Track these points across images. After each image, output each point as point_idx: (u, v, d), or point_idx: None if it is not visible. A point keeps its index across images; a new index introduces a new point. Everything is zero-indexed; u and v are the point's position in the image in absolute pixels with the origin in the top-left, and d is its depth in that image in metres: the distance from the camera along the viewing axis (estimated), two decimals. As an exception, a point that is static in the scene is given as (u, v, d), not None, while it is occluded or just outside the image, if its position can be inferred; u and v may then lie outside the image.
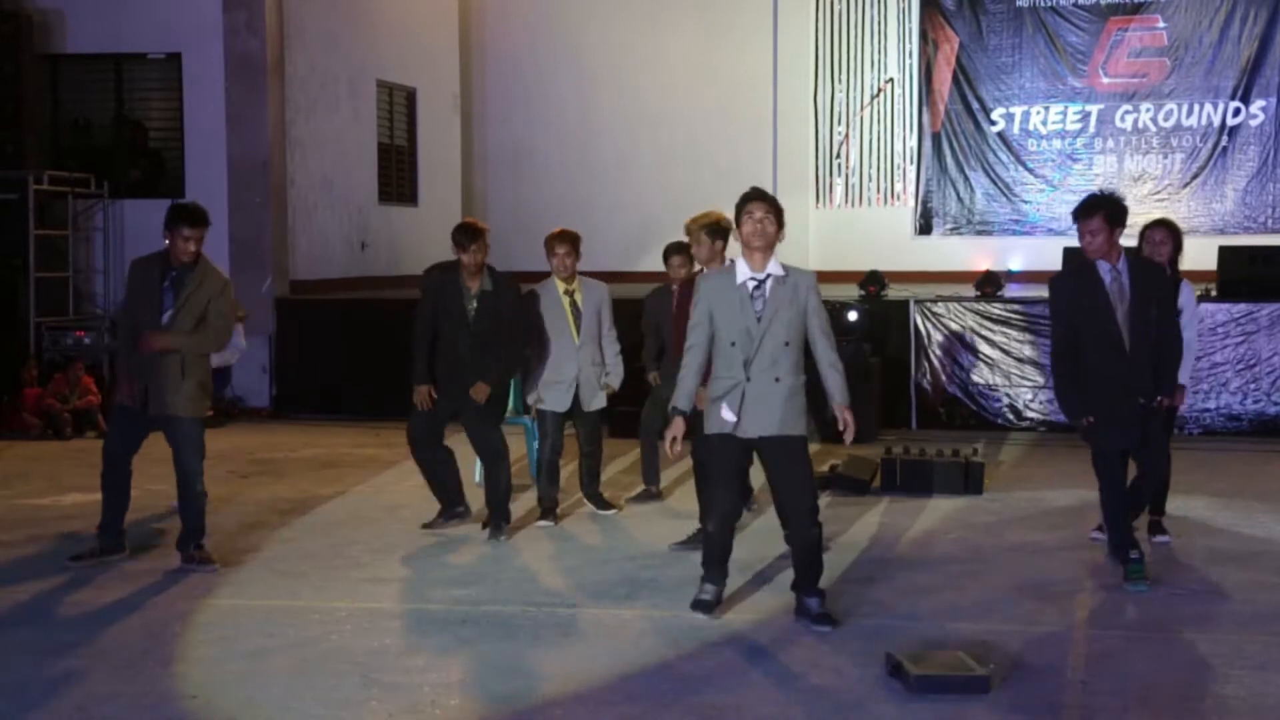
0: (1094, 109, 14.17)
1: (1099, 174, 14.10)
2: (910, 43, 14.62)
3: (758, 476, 6.35)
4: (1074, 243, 11.41)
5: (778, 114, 14.90)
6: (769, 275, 5.26)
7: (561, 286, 7.07)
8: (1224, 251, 10.33)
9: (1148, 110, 14.03)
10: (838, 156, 14.92)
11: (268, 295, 11.60)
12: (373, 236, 13.27)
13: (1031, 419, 10.12)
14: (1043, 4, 14.19)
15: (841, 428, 5.25)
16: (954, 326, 10.29)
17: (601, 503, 7.40)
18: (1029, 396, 10.13)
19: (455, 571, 6.23)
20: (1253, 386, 9.78)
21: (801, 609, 5.31)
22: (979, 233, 14.48)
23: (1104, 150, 14.19)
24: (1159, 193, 13.93)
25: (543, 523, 7.09)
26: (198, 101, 11.86)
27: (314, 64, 12.37)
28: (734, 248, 6.34)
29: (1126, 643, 5.10)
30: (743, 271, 5.28)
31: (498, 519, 6.80)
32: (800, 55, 14.85)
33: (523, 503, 7.54)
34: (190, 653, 5.04)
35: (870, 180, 14.90)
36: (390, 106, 13.91)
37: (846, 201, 14.93)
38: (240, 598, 5.79)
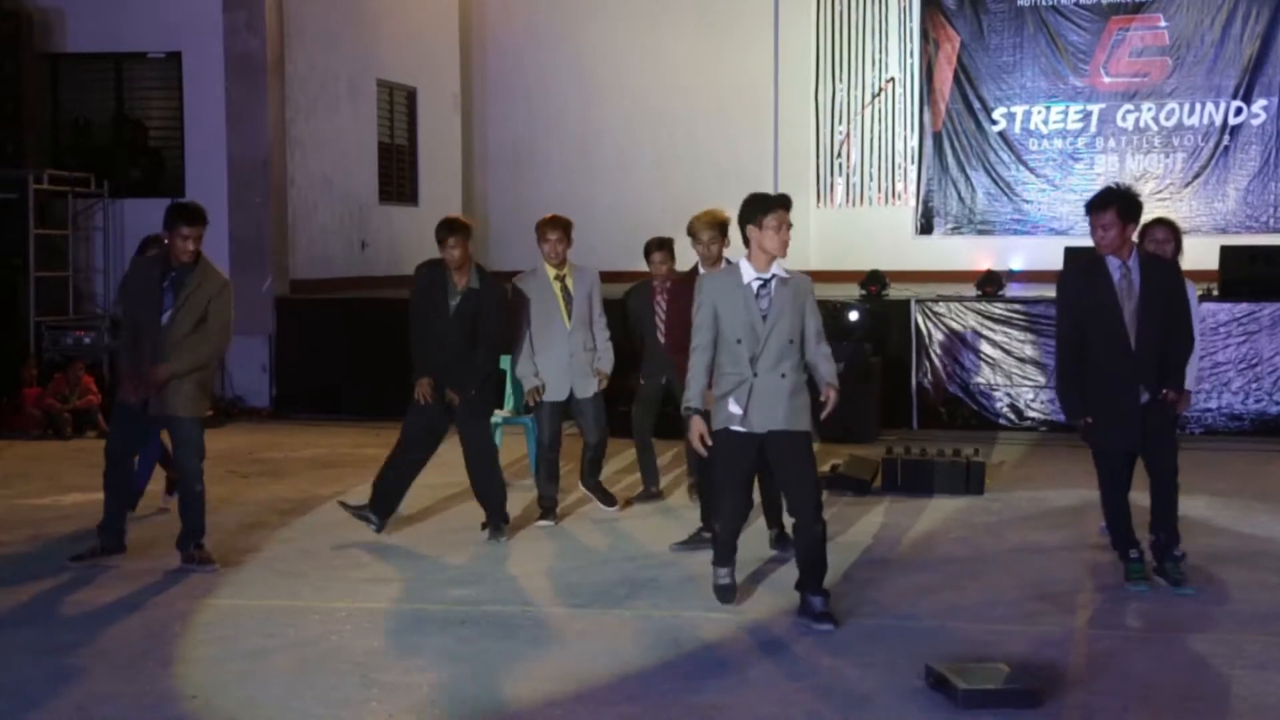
0: (1095, 108, 14.16)
1: (1100, 173, 14.08)
2: (911, 42, 14.61)
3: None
4: (1075, 242, 11.46)
5: (778, 113, 14.90)
6: (774, 276, 5.38)
7: (552, 273, 7.04)
8: (1225, 251, 10.32)
9: (1149, 109, 14.02)
10: (839, 156, 14.91)
11: (268, 295, 11.60)
12: (373, 236, 13.26)
13: (1033, 419, 10.11)
14: (1044, 3, 14.17)
15: (824, 399, 5.38)
16: (955, 326, 10.28)
17: (603, 494, 7.35)
18: (1030, 396, 10.11)
19: (455, 571, 6.22)
20: (1254, 386, 9.77)
21: (805, 607, 5.32)
22: (980, 232, 14.47)
23: (1105, 150, 14.18)
24: (1160, 192, 13.92)
25: (543, 523, 7.08)
26: (198, 101, 11.85)
27: (314, 63, 12.36)
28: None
29: (1127, 642, 5.09)
30: (748, 272, 5.39)
31: (496, 519, 6.77)
32: (801, 54, 14.84)
33: (523, 502, 7.53)
34: (190, 652, 5.03)
35: (871, 180, 14.89)
36: (390, 106, 13.90)
37: (847, 201, 14.92)
38: (240, 597, 5.79)
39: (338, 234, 12.84)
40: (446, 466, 8.90)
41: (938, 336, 10.29)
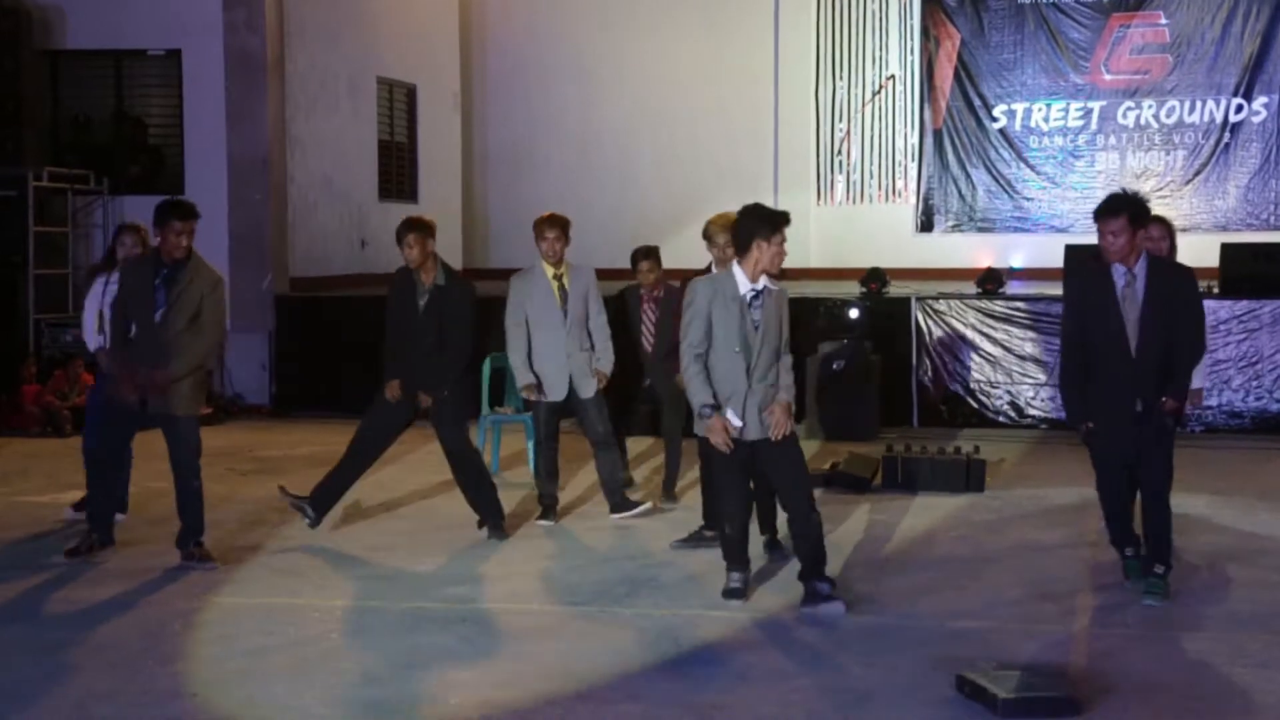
0: (1096, 105, 14.15)
1: (1101, 171, 14.08)
2: (912, 39, 14.59)
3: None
4: (1076, 240, 11.46)
5: (779, 111, 14.88)
6: (765, 288, 5.47)
7: (550, 271, 7.00)
8: (1226, 248, 10.30)
9: (1150, 107, 14.01)
10: (839, 153, 14.89)
11: (267, 293, 11.59)
12: (373, 234, 13.24)
13: (1033, 416, 10.09)
14: (1045, 0, 14.16)
15: (770, 418, 5.39)
16: (955, 324, 10.26)
17: (626, 504, 7.07)
18: (1030, 394, 10.10)
19: (455, 570, 6.21)
20: (1255, 384, 9.76)
21: (812, 594, 5.40)
22: (980, 230, 14.45)
23: (1106, 147, 14.16)
24: (1161, 190, 13.89)
25: (542, 522, 7.06)
26: (198, 98, 11.84)
27: (314, 61, 12.35)
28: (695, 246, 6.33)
29: (1128, 641, 5.08)
30: (743, 283, 5.45)
31: (494, 518, 6.73)
32: (801, 52, 14.82)
33: (522, 501, 7.52)
34: (190, 650, 5.03)
35: (872, 177, 14.87)
36: (390, 104, 13.88)
37: (848, 198, 14.91)
38: (240, 595, 5.78)
39: (337, 232, 12.83)
40: (446, 465, 8.88)
41: (938, 334, 10.28)
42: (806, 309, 10.19)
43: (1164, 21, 13.90)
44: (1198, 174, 13.89)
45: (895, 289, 10.91)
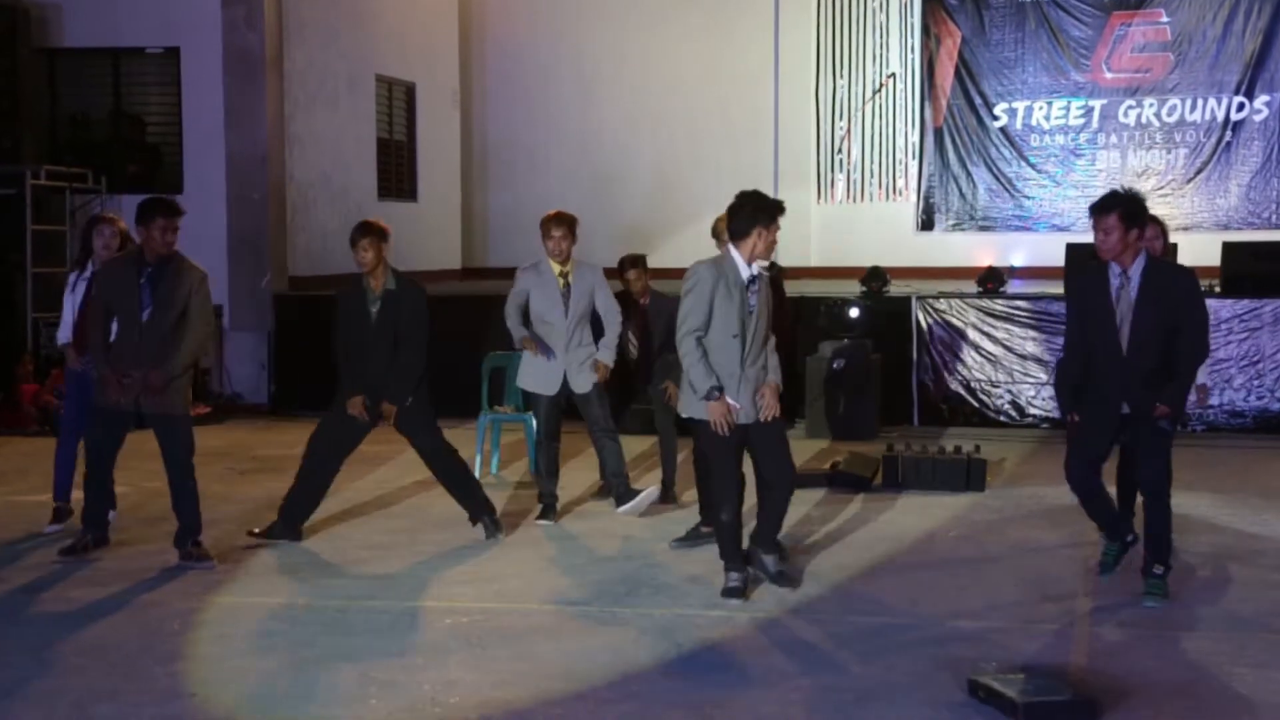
0: (1097, 104, 14.13)
1: (1102, 169, 14.07)
2: (912, 37, 14.58)
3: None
4: (1077, 239, 11.45)
5: (779, 109, 14.87)
6: (760, 273, 5.55)
7: (557, 268, 6.99)
8: (1228, 247, 10.28)
9: (1151, 105, 13.99)
10: (839, 152, 14.88)
11: (266, 291, 11.57)
12: (372, 232, 13.21)
13: (1034, 416, 10.08)
14: (1045, -2, 14.16)
15: (761, 400, 5.52)
16: (956, 323, 10.25)
17: (630, 493, 6.98)
18: (1031, 393, 10.08)
19: (455, 570, 6.20)
20: (1256, 383, 9.74)
21: (758, 565, 5.68)
22: (981, 228, 14.44)
23: (1107, 145, 14.15)
24: (1163, 188, 13.89)
25: (542, 521, 7.04)
26: (196, 96, 11.82)
27: (313, 59, 12.33)
28: (706, 243, 6.34)
29: (1128, 641, 5.07)
30: (743, 269, 5.50)
31: (486, 514, 6.67)
32: (802, 50, 14.81)
33: (522, 501, 7.50)
34: (189, 650, 5.02)
35: (872, 176, 14.86)
36: (390, 102, 13.86)
37: (848, 197, 14.89)
38: (239, 595, 5.76)
39: (337, 231, 12.79)
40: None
41: (939, 333, 10.26)
42: (807, 308, 10.18)
43: (1165, 20, 13.88)
44: (1199, 173, 13.87)
45: (896, 288, 10.90)
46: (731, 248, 5.54)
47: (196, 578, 6.01)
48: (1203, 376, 6.38)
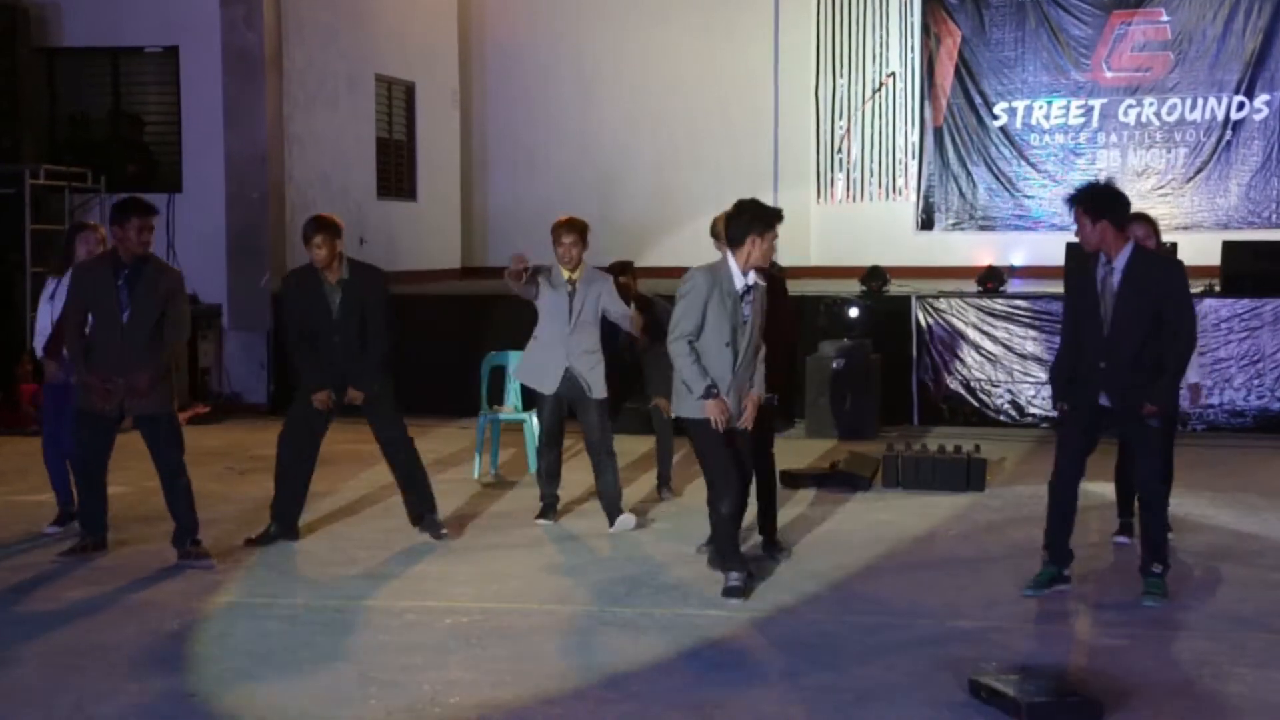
0: (1097, 103, 14.12)
1: (1102, 169, 14.04)
2: (912, 37, 14.57)
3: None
4: (1076, 238, 11.41)
5: (779, 108, 14.86)
6: (755, 283, 5.58)
7: (566, 274, 6.98)
8: (1228, 247, 10.28)
9: (1151, 104, 13.98)
10: (839, 151, 14.87)
11: (265, 291, 11.56)
12: (371, 232, 13.22)
13: (1034, 415, 10.07)
14: (1045, -3, 14.15)
15: (742, 410, 5.62)
16: (956, 322, 10.24)
17: (615, 515, 6.86)
18: (1031, 393, 10.08)
19: (454, 570, 6.19)
20: (1256, 382, 9.74)
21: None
22: (981, 228, 14.43)
23: (1107, 145, 14.14)
24: (1162, 188, 13.88)
25: (542, 521, 7.04)
26: (195, 96, 11.81)
27: (312, 58, 12.32)
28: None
29: (1128, 640, 5.06)
30: (738, 278, 5.55)
31: (431, 513, 6.63)
32: (802, 49, 14.80)
33: (522, 501, 7.50)
34: (188, 650, 5.01)
35: (872, 175, 14.85)
36: (389, 101, 13.86)
37: (848, 196, 14.88)
38: (238, 595, 5.76)
39: (337, 230, 12.79)
40: (444, 465, 8.87)
41: (939, 333, 10.26)
42: (806, 308, 10.17)
43: (1165, 19, 13.87)
44: (1199, 172, 13.87)
45: (895, 287, 10.89)
46: (729, 255, 5.56)
47: (196, 578, 6.00)
48: (1196, 375, 6.38)
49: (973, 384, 10.20)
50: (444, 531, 6.63)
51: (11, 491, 8.05)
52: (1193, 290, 10.01)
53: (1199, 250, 11.14)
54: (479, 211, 15.62)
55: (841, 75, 14.80)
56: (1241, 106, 13.73)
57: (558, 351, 6.90)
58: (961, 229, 14.51)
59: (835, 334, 10.05)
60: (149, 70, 12.18)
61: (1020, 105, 14.29)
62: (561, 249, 6.89)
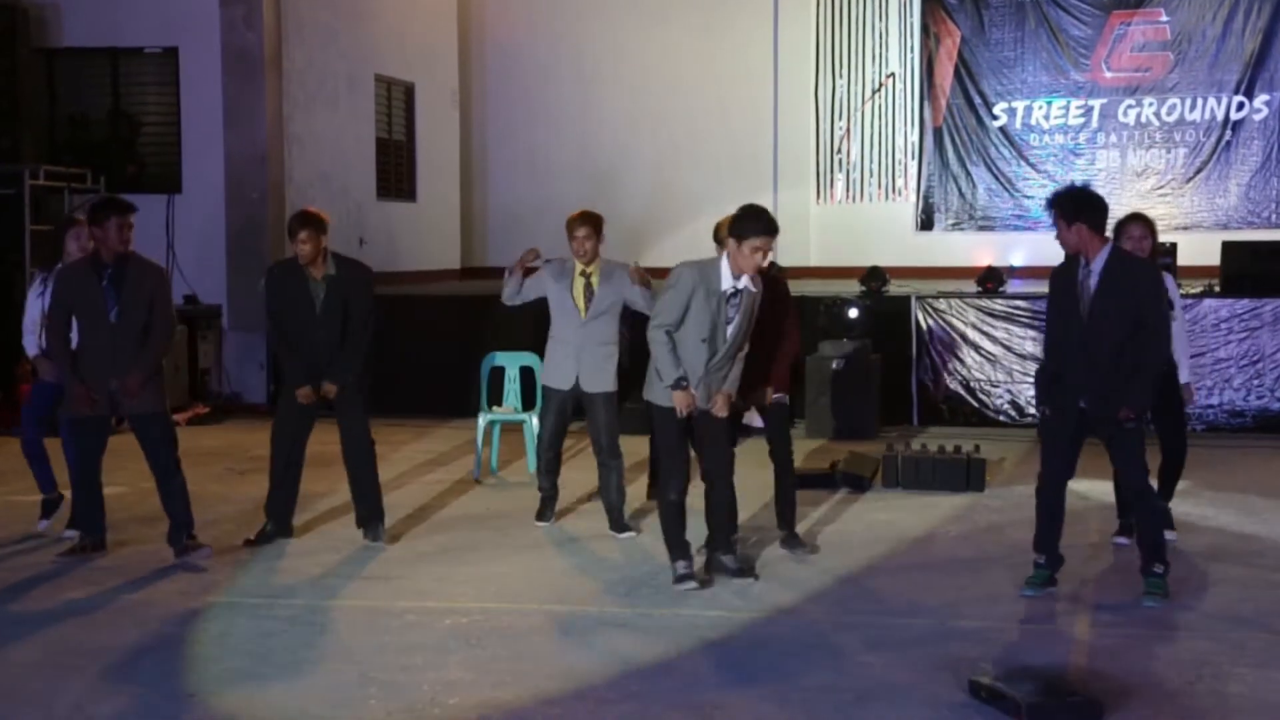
0: (1096, 103, 14.13)
1: (1101, 169, 14.07)
2: (912, 37, 14.57)
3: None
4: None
5: (778, 109, 14.86)
6: (745, 287, 5.62)
7: (579, 267, 6.91)
8: (1227, 247, 10.27)
9: (1151, 105, 13.99)
10: (839, 151, 14.87)
11: (265, 291, 11.54)
12: (371, 232, 13.22)
13: (1034, 415, 10.04)
14: (1045, -3, 14.16)
15: (711, 404, 5.65)
16: (956, 322, 10.24)
17: (620, 522, 6.79)
18: (1031, 393, 10.05)
19: (455, 570, 6.19)
20: (1256, 383, 9.74)
21: (718, 567, 5.82)
22: (981, 228, 14.44)
23: (1107, 145, 14.15)
24: (1162, 188, 13.89)
25: (541, 521, 7.03)
26: (195, 96, 11.81)
27: (312, 59, 12.32)
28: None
29: (1128, 641, 5.06)
30: (726, 280, 5.60)
31: (374, 519, 6.59)
32: (801, 50, 14.80)
33: (521, 501, 7.50)
34: (187, 650, 5.01)
35: (871, 175, 14.85)
36: (389, 102, 13.86)
37: (847, 197, 14.89)
38: (237, 595, 5.76)
39: (335, 230, 12.69)
40: (444, 465, 8.87)
41: (938, 333, 10.26)
42: (807, 308, 10.16)
43: (1165, 19, 13.88)
44: (1199, 172, 13.87)
45: (895, 288, 10.89)
46: (723, 257, 5.65)
47: (195, 578, 6.00)
48: (1186, 375, 6.40)
49: (972, 384, 10.20)
50: (383, 540, 6.53)
51: (11, 491, 8.05)
52: (1193, 290, 10.02)
53: (1199, 250, 11.14)
54: (479, 212, 15.62)
55: (841, 75, 14.81)
56: (1241, 106, 13.73)
57: (570, 347, 6.85)
58: (961, 229, 14.51)
59: (835, 334, 10.05)
60: (149, 70, 12.18)
61: (1020, 105, 14.29)
62: (576, 242, 6.85)
